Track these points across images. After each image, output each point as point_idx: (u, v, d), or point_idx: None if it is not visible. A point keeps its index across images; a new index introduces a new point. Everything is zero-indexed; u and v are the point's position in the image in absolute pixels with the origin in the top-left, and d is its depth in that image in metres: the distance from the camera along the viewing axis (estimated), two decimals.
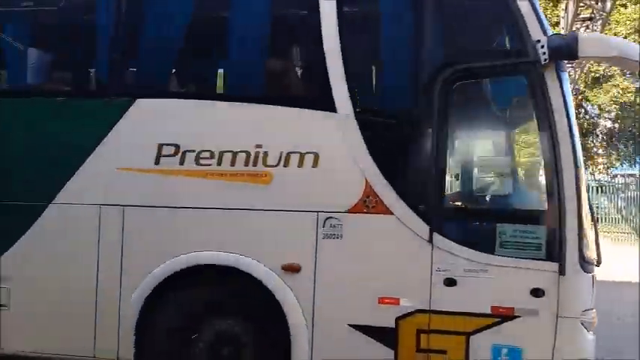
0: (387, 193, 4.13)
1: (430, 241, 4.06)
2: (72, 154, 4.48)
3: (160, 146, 4.37)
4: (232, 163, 4.29)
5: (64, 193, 4.48)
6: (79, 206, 4.47)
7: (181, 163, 4.35)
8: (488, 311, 4.00)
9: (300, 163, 4.22)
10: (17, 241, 4.53)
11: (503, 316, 3.99)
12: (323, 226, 4.19)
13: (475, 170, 4.62)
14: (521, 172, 5.41)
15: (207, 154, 4.32)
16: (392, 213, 4.12)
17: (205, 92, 4.67)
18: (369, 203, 4.15)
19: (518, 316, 3.97)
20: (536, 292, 3.94)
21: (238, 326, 4.33)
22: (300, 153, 4.22)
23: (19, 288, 4.54)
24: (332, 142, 4.22)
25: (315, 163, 4.21)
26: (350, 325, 4.14)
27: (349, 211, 4.17)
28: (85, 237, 4.45)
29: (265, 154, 4.26)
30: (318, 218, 4.19)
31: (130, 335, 4.39)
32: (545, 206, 4.09)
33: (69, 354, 4.52)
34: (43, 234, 4.51)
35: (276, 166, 4.25)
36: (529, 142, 5.03)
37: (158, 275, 4.36)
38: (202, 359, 4.36)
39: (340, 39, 4.22)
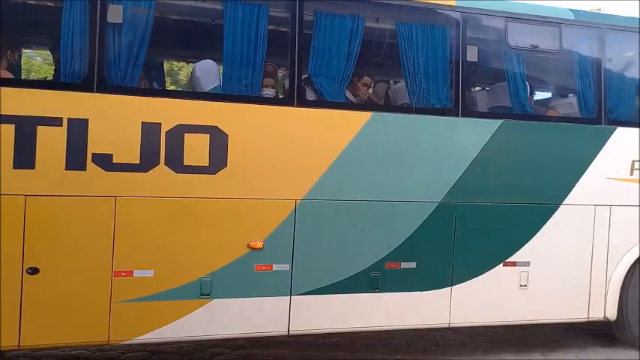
0: None
1: None
2: (572, 168, 6.20)
3: (633, 162, 6.22)
4: None
5: (569, 197, 6.16)
6: (580, 206, 6.14)
7: None
8: None
9: None
10: (536, 234, 6.01)
11: None
12: None
13: None
14: None
15: None
16: None
17: None
18: None
19: None
20: None
21: None
22: None
23: (536, 270, 6.04)
24: None
25: None
26: None
27: None
28: (585, 226, 6.25)
29: None
30: None
31: (616, 297, 6.19)
32: None
33: (569, 318, 6.21)
34: (557, 226, 6.12)
35: None
36: None
37: None
38: None
39: None
